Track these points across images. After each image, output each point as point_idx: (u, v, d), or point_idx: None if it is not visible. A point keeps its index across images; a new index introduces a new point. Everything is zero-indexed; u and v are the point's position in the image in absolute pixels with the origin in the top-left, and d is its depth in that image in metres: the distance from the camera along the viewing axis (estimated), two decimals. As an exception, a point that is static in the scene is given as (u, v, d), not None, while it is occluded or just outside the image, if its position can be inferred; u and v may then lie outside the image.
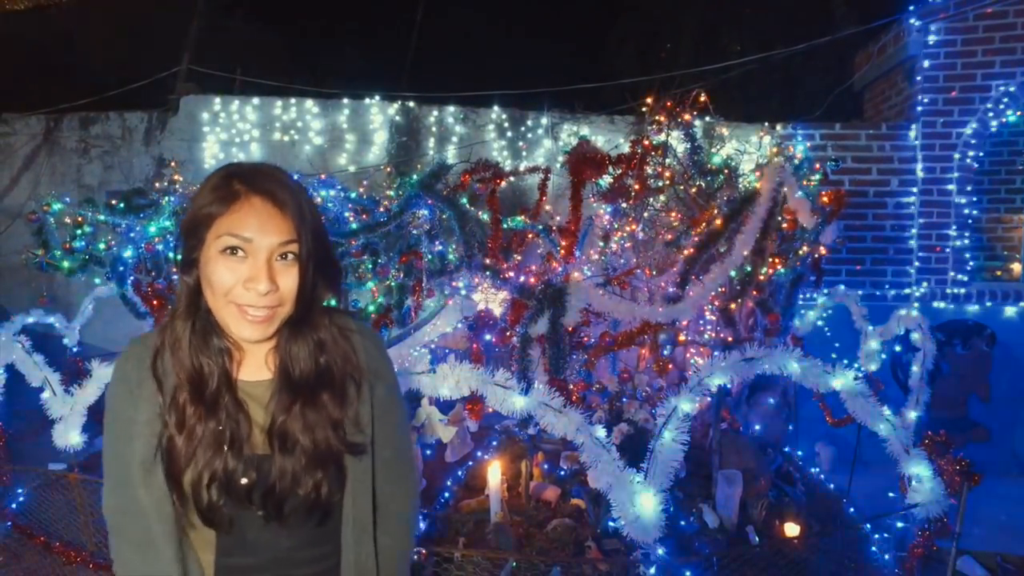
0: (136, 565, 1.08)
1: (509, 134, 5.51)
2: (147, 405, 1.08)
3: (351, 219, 3.87)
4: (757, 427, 3.77)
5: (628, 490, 1.73)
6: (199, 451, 1.05)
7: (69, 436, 2.44)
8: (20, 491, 3.10)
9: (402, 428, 1.26)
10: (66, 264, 3.78)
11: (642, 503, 1.74)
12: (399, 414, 1.24)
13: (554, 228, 3.84)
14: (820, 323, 3.72)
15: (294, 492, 1.09)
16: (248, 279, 1.02)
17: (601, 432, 1.81)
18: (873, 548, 2.66)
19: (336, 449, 1.11)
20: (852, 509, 3.09)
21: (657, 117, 3.20)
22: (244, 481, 1.07)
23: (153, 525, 1.06)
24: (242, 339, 1.08)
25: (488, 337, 2.82)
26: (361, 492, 1.16)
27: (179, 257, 1.09)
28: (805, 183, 3.10)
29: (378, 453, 1.17)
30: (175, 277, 3.68)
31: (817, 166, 3.34)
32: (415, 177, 3.31)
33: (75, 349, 4.01)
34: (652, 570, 1.92)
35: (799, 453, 3.83)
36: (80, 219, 3.82)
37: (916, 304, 4.45)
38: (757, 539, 2.63)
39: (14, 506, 3.03)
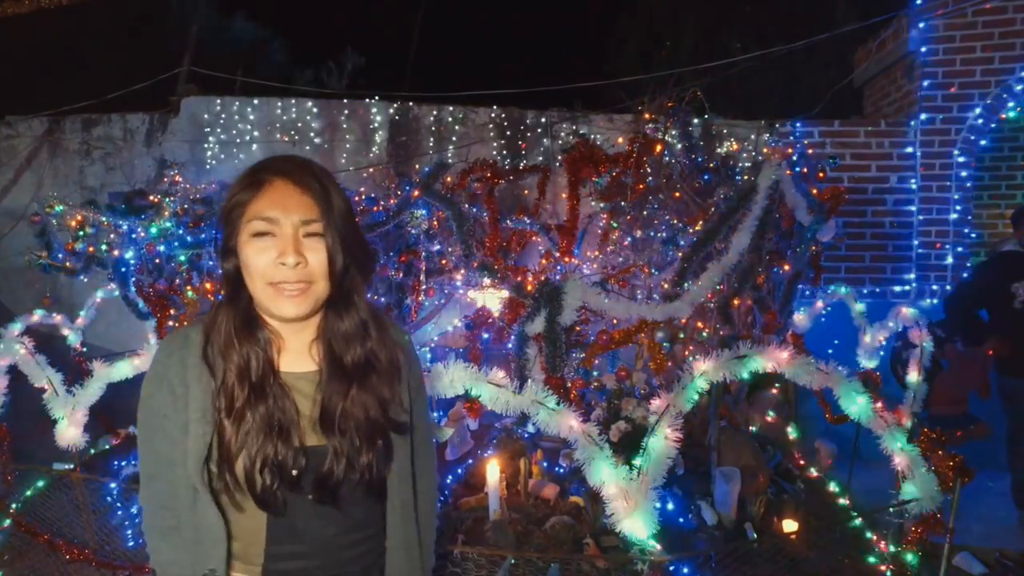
0: (166, 554, 1.15)
1: (508, 133, 5.51)
2: (201, 398, 1.11)
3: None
4: (756, 424, 3.77)
5: (621, 487, 1.75)
6: (250, 436, 1.09)
7: (71, 436, 2.46)
8: (24, 490, 3.12)
9: (429, 417, 1.37)
10: (68, 265, 3.80)
11: (636, 500, 1.75)
12: (426, 405, 1.34)
13: (552, 227, 3.85)
14: (819, 320, 3.72)
15: (348, 476, 1.13)
16: (278, 254, 1.08)
17: (593, 429, 1.82)
18: (870, 543, 2.67)
19: (383, 426, 1.17)
20: (851, 505, 3.10)
21: (654, 116, 3.20)
22: (295, 472, 1.11)
23: (211, 520, 1.11)
24: (282, 317, 1.12)
25: (486, 335, 2.84)
26: (404, 474, 1.22)
27: (218, 248, 1.15)
28: (803, 180, 3.10)
29: (414, 437, 1.25)
30: (176, 278, 3.73)
31: (821, 164, 3.35)
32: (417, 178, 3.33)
33: (78, 349, 4.03)
34: (648, 567, 1.93)
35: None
36: (81, 219, 3.84)
37: (917, 301, 4.44)
38: (755, 536, 2.63)
39: (17, 505, 3.05)
